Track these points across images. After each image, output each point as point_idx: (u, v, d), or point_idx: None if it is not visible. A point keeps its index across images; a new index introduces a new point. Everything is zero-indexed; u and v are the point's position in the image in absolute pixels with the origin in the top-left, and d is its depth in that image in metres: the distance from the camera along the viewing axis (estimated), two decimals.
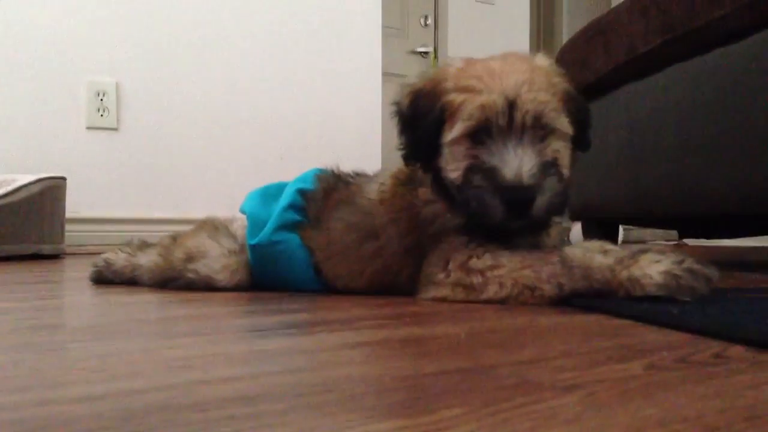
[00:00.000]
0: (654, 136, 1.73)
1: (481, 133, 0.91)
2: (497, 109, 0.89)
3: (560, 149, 0.93)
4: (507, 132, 0.89)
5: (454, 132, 0.92)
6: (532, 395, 0.42)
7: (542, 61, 0.98)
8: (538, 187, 0.87)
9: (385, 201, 1.05)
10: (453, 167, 0.94)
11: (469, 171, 0.91)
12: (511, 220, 0.88)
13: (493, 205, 0.88)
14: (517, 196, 0.87)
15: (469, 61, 0.97)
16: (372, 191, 1.08)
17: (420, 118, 0.97)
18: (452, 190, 0.95)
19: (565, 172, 0.93)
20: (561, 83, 0.96)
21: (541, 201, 0.87)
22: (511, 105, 0.89)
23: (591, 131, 1.01)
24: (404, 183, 1.05)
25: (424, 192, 1.00)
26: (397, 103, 1.02)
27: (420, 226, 1.00)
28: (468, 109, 0.90)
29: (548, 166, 0.89)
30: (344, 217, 1.07)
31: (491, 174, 0.88)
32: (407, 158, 1.00)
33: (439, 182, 0.97)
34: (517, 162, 0.87)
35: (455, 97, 0.92)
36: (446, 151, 0.94)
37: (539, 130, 0.90)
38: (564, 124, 0.92)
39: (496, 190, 0.87)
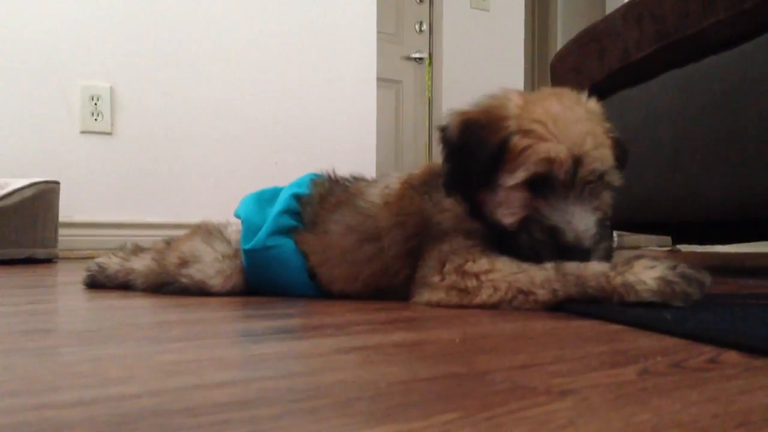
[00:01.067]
0: (648, 143, 1.73)
1: (541, 184, 0.91)
2: (563, 165, 0.89)
3: (610, 201, 0.95)
4: (569, 188, 0.90)
5: (514, 178, 0.91)
6: (527, 400, 0.42)
7: (594, 105, 0.99)
8: (595, 247, 0.89)
9: (391, 204, 1.05)
10: (508, 212, 0.93)
11: (528, 221, 0.91)
12: None
13: (550, 259, 0.89)
14: (576, 257, 0.88)
15: (528, 99, 0.96)
16: (375, 195, 1.08)
17: (472, 151, 0.95)
18: (497, 229, 0.95)
19: (608, 223, 0.96)
20: (611, 130, 0.96)
21: (594, 258, 0.89)
22: (577, 161, 0.89)
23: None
24: (416, 187, 1.05)
25: (439, 198, 1.00)
26: (444, 129, 0.99)
27: (426, 228, 1.00)
28: (532, 158, 0.90)
29: (602, 223, 0.91)
30: (342, 219, 1.07)
31: (552, 232, 0.89)
32: (449, 187, 0.97)
33: (477, 211, 0.97)
34: (579, 224, 0.88)
35: (518, 141, 0.91)
36: (502, 194, 0.93)
37: (598, 185, 0.92)
38: (617, 177, 0.94)
39: (555, 248, 0.89)
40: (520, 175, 0.91)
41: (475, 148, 0.94)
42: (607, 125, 0.97)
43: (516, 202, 0.93)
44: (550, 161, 0.89)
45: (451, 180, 0.97)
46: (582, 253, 0.88)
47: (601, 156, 0.91)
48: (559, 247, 0.88)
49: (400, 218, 1.03)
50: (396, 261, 1.02)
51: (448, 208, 0.99)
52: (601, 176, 0.91)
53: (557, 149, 0.89)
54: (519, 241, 0.92)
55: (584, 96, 0.99)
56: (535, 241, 0.91)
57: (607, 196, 0.95)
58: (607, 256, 0.92)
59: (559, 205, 0.90)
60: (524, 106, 0.94)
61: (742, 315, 0.80)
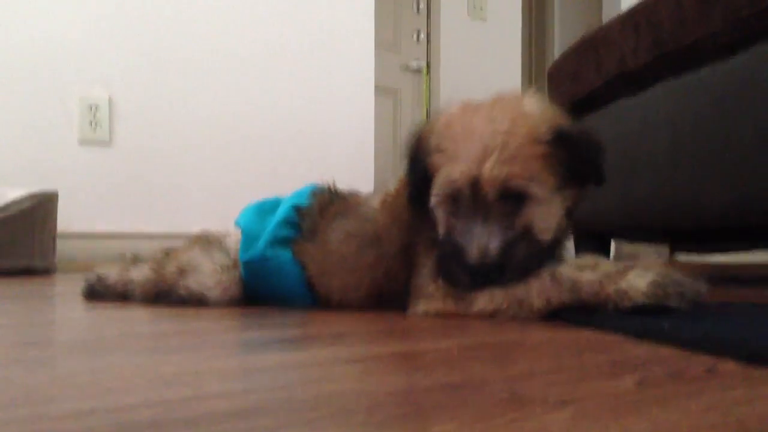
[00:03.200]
0: (645, 151, 1.74)
1: (454, 203, 0.92)
2: (461, 186, 0.90)
3: (536, 215, 0.91)
4: (475, 208, 0.90)
5: (433, 198, 0.94)
6: (524, 410, 0.42)
7: (531, 108, 0.94)
8: (505, 262, 0.88)
9: (388, 203, 1.06)
10: (439, 230, 0.96)
11: (445, 242, 0.93)
12: (479, 288, 0.91)
13: (462, 279, 0.91)
14: (482, 276, 0.89)
15: (461, 112, 0.95)
16: (375, 201, 1.09)
17: (413, 168, 0.99)
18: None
19: (544, 236, 0.92)
20: (548, 132, 0.90)
21: (509, 273, 0.88)
22: (474, 182, 0.89)
23: (602, 164, 0.95)
24: None
25: None
26: (406, 147, 1.03)
27: (424, 226, 1.01)
28: (439, 181, 0.92)
29: (516, 239, 0.89)
30: (342, 227, 1.08)
31: (459, 252, 0.90)
32: (410, 200, 1.00)
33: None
34: (481, 241, 0.88)
35: (435, 159, 0.93)
36: (433, 212, 0.97)
37: (509, 201, 0.90)
38: (536, 190, 0.89)
39: (463, 269, 0.90)
40: (433, 198, 0.94)
41: (413, 165, 0.98)
42: (542, 129, 0.90)
43: (441, 220, 0.96)
44: (450, 183, 0.91)
45: (410, 194, 1.00)
46: (488, 270, 0.88)
47: (502, 174, 0.87)
48: (465, 266, 0.89)
49: (397, 214, 1.04)
50: (396, 262, 1.03)
51: None
52: (507, 191, 0.89)
53: (455, 170, 0.90)
54: (438, 259, 0.95)
55: (531, 100, 0.95)
56: (446, 259, 0.92)
57: (531, 213, 0.90)
58: (534, 267, 0.89)
59: (466, 225, 0.90)
60: (449, 122, 0.95)
61: (740, 324, 0.80)
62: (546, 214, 0.92)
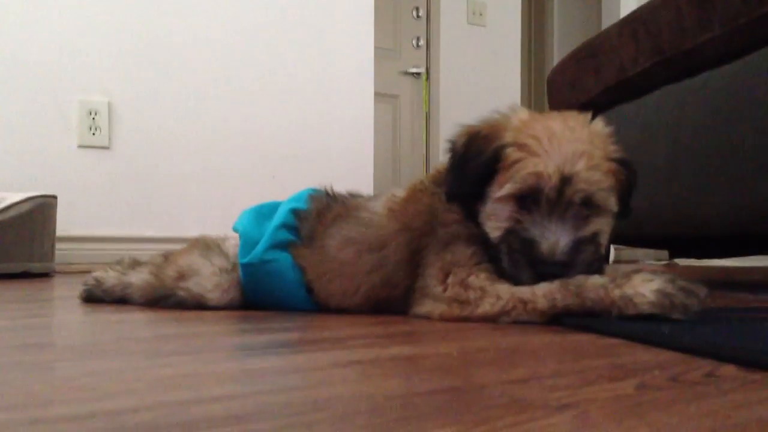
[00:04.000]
0: (644, 157, 1.74)
1: (528, 198, 0.92)
2: (550, 182, 0.89)
3: (602, 226, 0.94)
4: (554, 205, 0.90)
5: (504, 190, 0.93)
6: (524, 414, 0.42)
7: (600, 127, 0.98)
8: (571, 263, 0.89)
9: (396, 210, 1.05)
10: (494, 225, 0.95)
11: (509, 234, 0.93)
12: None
13: (526, 274, 0.91)
14: (549, 271, 0.89)
15: (533, 116, 0.98)
16: (378, 206, 1.08)
17: (471, 159, 0.97)
18: (486, 241, 0.96)
19: (602, 248, 0.95)
20: (616, 153, 0.96)
21: (573, 273, 0.89)
22: (565, 180, 0.89)
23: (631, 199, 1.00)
24: (425, 188, 1.06)
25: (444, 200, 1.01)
26: (452, 142, 1.02)
27: (432, 228, 1.00)
28: (522, 172, 0.91)
29: (585, 242, 0.91)
30: (341, 232, 1.07)
31: (528, 245, 0.90)
32: (450, 196, 0.99)
33: (473, 221, 0.98)
34: (555, 238, 0.89)
35: (512, 153, 0.92)
36: (490, 205, 0.95)
37: (586, 208, 0.92)
38: (611, 203, 0.93)
39: (530, 262, 0.90)
40: (508, 188, 0.92)
41: (473, 157, 0.96)
42: (612, 148, 0.96)
43: (503, 214, 0.94)
44: (537, 176, 0.90)
45: (451, 189, 0.99)
46: (556, 266, 0.88)
47: (592, 178, 0.90)
48: (533, 260, 0.89)
49: (407, 221, 1.03)
50: (398, 269, 1.02)
51: (456, 210, 1.00)
52: (589, 199, 0.91)
53: (546, 165, 0.90)
54: (498, 251, 0.94)
55: (597, 121, 0.99)
56: (511, 252, 0.92)
57: (600, 222, 0.94)
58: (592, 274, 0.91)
59: (541, 220, 0.90)
60: (526, 121, 0.96)
61: (739, 329, 0.80)
62: (607, 229, 0.96)
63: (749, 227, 1.47)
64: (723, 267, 3.19)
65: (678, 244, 2.26)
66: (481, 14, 4.38)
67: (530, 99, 5.24)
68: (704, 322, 0.81)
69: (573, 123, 0.95)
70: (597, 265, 0.92)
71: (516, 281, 0.92)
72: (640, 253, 4.23)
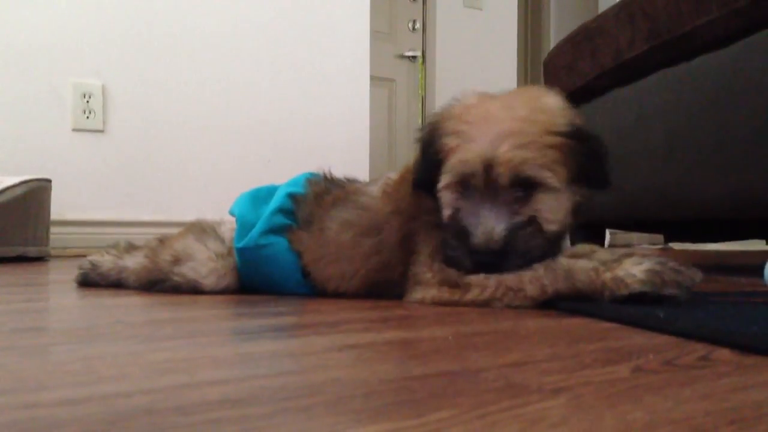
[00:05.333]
0: (640, 141, 1.74)
1: (464, 186, 0.92)
2: (472, 169, 0.89)
3: (545, 204, 0.90)
4: (483, 190, 0.89)
5: (443, 179, 0.93)
6: (519, 398, 0.42)
7: (549, 101, 0.95)
8: (509, 248, 0.87)
9: (389, 192, 1.05)
10: (445, 213, 0.95)
11: (450, 223, 0.93)
12: (479, 272, 0.91)
13: (465, 263, 0.91)
14: (484, 260, 0.88)
15: (481, 100, 0.96)
16: (374, 190, 1.08)
17: (425, 151, 0.98)
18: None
19: (550, 226, 0.91)
20: (564, 125, 0.91)
21: (512, 259, 0.88)
22: (488, 164, 0.88)
23: (609, 167, 0.96)
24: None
25: None
26: (419, 130, 1.03)
27: (421, 211, 1.01)
28: (452, 162, 0.91)
29: (523, 226, 0.89)
30: (339, 215, 1.07)
31: (463, 234, 0.90)
32: (415, 185, 1.00)
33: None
34: (488, 225, 0.88)
35: (449, 141, 0.93)
36: (440, 195, 0.96)
37: (519, 188, 0.89)
38: (552, 180, 0.89)
39: (466, 251, 0.89)
40: (444, 178, 0.93)
41: (425, 148, 0.98)
42: (560, 121, 0.91)
43: (447, 203, 0.95)
44: (463, 164, 0.90)
45: (416, 178, 1.00)
46: (489, 255, 0.88)
47: (517, 158, 0.87)
48: (469, 249, 0.89)
49: (399, 203, 1.03)
50: (393, 253, 1.02)
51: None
52: (521, 178, 0.88)
53: (468, 152, 0.89)
54: (441, 241, 0.94)
55: (551, 94, 0.96)
56: (448, 242, 0.92)
57: (542, 200, 0.90)
58: (538, 257, 0.89)
59: (474, 208, 0.90)
60: (468, 107, 0.95)
61: (733, 313, 0.81)
62: (554, 206, 0.92)
63: (745, 211, 1.48)
64: (718, 251, 3.20)
65: (673, 228, 2.27)
66: None
67: (527, 82, 5.22)
68: (699, 306, 0.81)
69: (517, 102, 0.92)
70: (540, 249, 0.90)
71: (459, 270, 0.92)
72: (635, 236, 4.25)
